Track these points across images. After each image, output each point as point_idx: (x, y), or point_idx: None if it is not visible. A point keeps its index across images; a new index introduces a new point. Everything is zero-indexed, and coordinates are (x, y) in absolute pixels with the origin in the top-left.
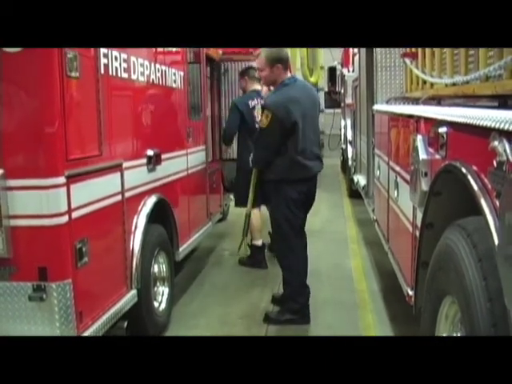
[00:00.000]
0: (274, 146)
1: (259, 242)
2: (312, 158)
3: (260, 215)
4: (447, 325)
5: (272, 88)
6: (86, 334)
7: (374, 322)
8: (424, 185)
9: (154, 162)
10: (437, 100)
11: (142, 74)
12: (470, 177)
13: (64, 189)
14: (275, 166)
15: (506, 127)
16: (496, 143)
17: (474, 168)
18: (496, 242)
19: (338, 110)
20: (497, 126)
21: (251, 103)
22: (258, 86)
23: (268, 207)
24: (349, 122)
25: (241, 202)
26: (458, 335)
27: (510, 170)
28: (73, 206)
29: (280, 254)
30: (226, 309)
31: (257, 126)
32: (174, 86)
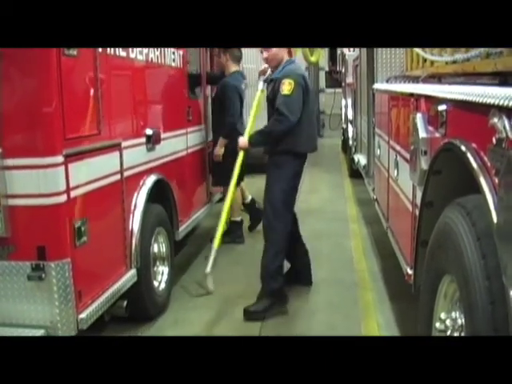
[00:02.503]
0: (299, 112)
1: (238, 218)
2: (315, 133)
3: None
4: (446, 303)
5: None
6: (86, 313)
7: (373, 301)
8: (424, 163)
9: (153, 141)
10: (437, 78)
11: (141, 52)
12: (469, 154)
13: (62, 168)
14: (290, 136)
15: (505, 103)
16: (495, 120)
17: (474, 146)
18: (495, 220)
19: (339, 90)
20: (496, 102)
21: (243, 86)
22: (237, 67)
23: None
24: (349, 101)
25: (222, 182)
26: (457, 315)
27: (509, 147)
28: (71, 185)
29: (268, 228)
30: (225, 288)
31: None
32: (173, 64)
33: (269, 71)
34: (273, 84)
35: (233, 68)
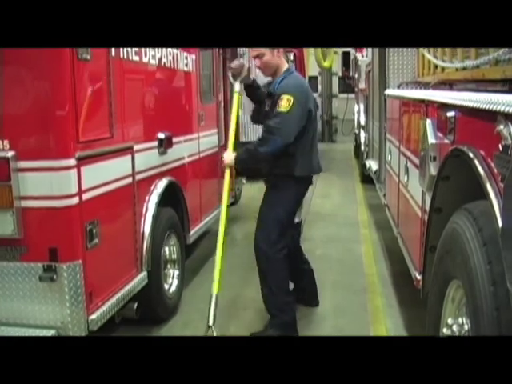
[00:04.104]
0: (294, 134)
1: None
2: (317, 156)
3: None
4: (453, 309)
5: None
6: (96, 314)
7: (382, 306)
8: (433, 169)
9: (165, 145)
10: (448, 85)
11: (154, 57)
12: (476, 161)
13: (75, 170)
14: (288, 158)
15: (510, 111)
16: (501, 127)
17: (481, 152)
18: (500, 225)
19: (352, 95)
20: (502, 109)
21: None
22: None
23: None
24: (362, 106)
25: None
26: (463, 320)
27: None
28: (83, 187)
29: (262, 260)
30: (236, 291)
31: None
32: (185, 69)
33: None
34: (272, 99)
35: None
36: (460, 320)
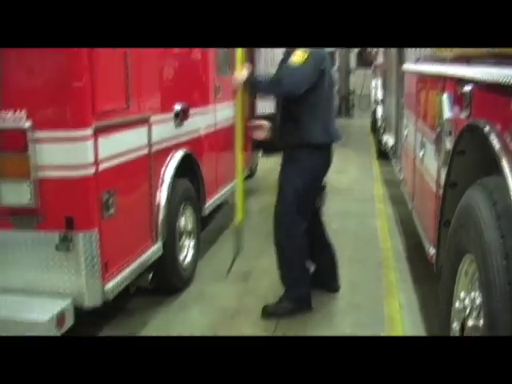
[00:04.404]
0: (305, 86)
1: None
2: (333, 121)
3: None
4: (466, 282)
5: None
6: (112, 283)
7: (396, 281)
8: (448, 144)
9: (181, 116)
10: (466, 60)
11: None
12: (491, 136)
13: (91, 141)
14: (302, 126)
15: None
16: None
17: (497, 127)
18: None
19: (369, 71)
20: None
21: None
22: None
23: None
24: (379, 82)
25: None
26: (476, 294)
27: None
28: (100, 157)
29: (280, 234)
30: (251, 263)
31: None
32: None
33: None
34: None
35: None
36: (472, 294)
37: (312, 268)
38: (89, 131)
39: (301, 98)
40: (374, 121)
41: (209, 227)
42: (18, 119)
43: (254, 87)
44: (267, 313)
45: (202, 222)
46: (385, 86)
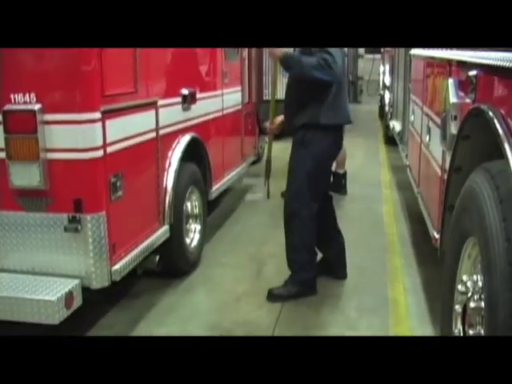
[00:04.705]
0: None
1: (341, 171)
2: (347, 103)
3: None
4: (469, 265)
5: None
6: (119, 265)
7: (401, 265)
8: (453, 128)
9: (188, 100)
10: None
11: None
12: (495, 120)
13: (100, 124)
14: (316, 105)
15: None
16: None
17: (501, 111)
18: None
19: (378, 56)
20: None
21: None
22: None
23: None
24: (387, 67)
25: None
26: (478, 277)
27: None
28: (108, 140)
29: (290, 216)
30: (257, 248)
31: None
32: None
33: None
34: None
35: None
36: (475, 277)
37: (320, 254)
38: (97, 114)
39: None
40: (382, 106)
41: (215, 212)
42: (27, 102)
43: (293, 64)
44: (272, 295)
45: (209, 206)
46: (393, 72)
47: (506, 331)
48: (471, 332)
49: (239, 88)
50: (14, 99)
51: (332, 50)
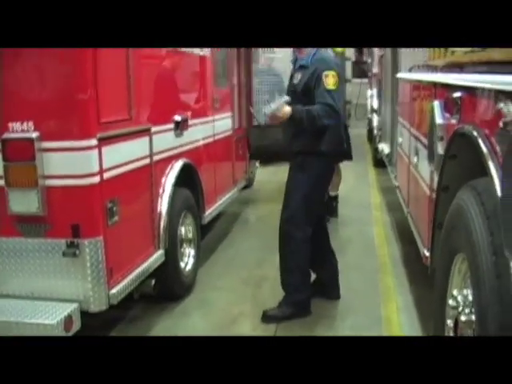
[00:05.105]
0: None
1: (333, 194)
2: (342, 134)
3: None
4: (459, 280)
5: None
6: (116, 288)
7: (393, 285)
8: (440, 148)
9: (181, 127)
10: (459, 67)
11: None
12: (480, 139)
13: (96, 150)
14: (317, 135)
15: (510, 89)
16: (502, 104)
17: (485, 131)
18: (499, 194)
19: (365, 80)
20: (502, 88)
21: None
22: None
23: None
24: (375, 91)
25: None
26: (468, 291)
27: None
28: (104, 167)
29: (285, 237)
30: (250, 271)
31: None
32: (200, 53)
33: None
34: (304, 71)
35: None
36: (465, 291)
37: (313, 275)
38: (93, 141)
39: None
40: (370, 130)
41: (208, 236)
42: (25, 130)
43: (298, 118)
44: (267, 317)
45: (202, 230)
46: (380, 96)
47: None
48: None
49: (230, 114)
50: (12, 128)
51: (331, 87)
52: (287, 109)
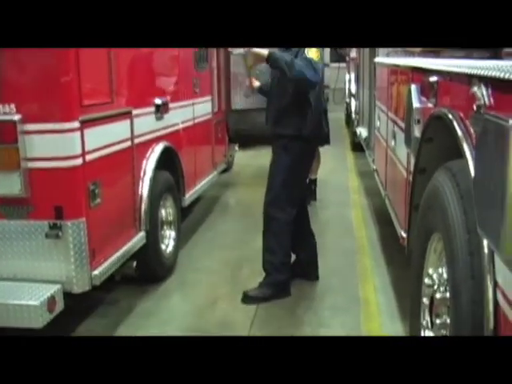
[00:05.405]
0: (318, 82)
1: (312, 177)
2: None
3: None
4: (435, 259)
5: None
6: (99, 270)
7: (370, 266)
8: (417, 132)
9: (161, 110)
10: (435, 53)
11: None
12: (455, 122)
13: (78, 133)
14: (298, 118)
15: (483, 73)
16: (476, 88)
17: (460, 114)
18: (472, 174)
19: (343, 65)
20: (476, 72)
21: None
22: None
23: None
24: (353, 75)
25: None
26: (443, 270)
27: (486, 112)
28: (87, 149)
29: (268, 218)
30: (230, 252)
31: None
32: None
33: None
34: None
35: None
36: (440, 270)
37: (293, 257)
38: (76, 124)
39: (299, 93)
40: (348, 114)
41: (188, 219)
42: (7, 112)
43: (276, 62)
44: (248, 297)
45: (182, 213)
46: (358, 80)
47: (468, 316)
48: (438, 321)
49: (209, 97)
50: None
51: (313, 56)
52: (264, 50)
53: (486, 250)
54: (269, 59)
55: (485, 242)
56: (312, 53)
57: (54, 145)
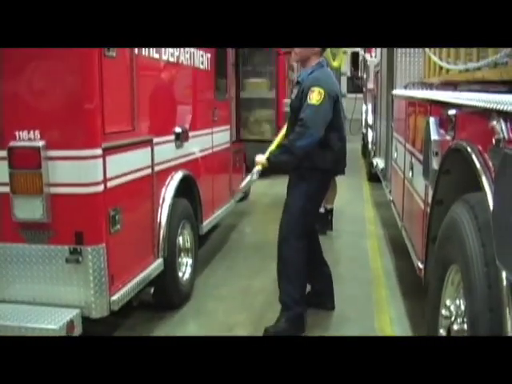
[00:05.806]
0: (323, 129)
1: (324, 208)
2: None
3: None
4: (452, 291)
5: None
6: (117, 295)
7: (386, 297)
8: (435, 164)
9: (181, 138)
10: (453, 85)
11: (172, 54)
12: (473, 155)
13: (101, 160)
14: (317, 151)
15: (502, 108)
16: (495, 123)
17: (478, 147)
18: (491, 207)
19: (360, 95)
20: (495, 107)
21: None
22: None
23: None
24: (370, 106)
25: None
26: (461, 302)
27: (505, 146)
28: (108, 176)
29: (284, 248)
30: (247, 281)
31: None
32: (201, 67)
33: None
34: (298, 88)
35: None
36: (457, 301)
37: (308, 287)
38: (98, 151)
39: None
40: (365, 144)
41: (205, 246)
42: (31, 138)
43: (280, 161)
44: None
45: (199, 241)
46: (375, 111)
47: None
48: None
49: (228, 126)
50: (19, 136)
51: (313, 102)
52: (260, 158)
53: (504, 283)
54: (269, 164)
55: (503, 275)
56: (314, 95)
57: (76, 171)
